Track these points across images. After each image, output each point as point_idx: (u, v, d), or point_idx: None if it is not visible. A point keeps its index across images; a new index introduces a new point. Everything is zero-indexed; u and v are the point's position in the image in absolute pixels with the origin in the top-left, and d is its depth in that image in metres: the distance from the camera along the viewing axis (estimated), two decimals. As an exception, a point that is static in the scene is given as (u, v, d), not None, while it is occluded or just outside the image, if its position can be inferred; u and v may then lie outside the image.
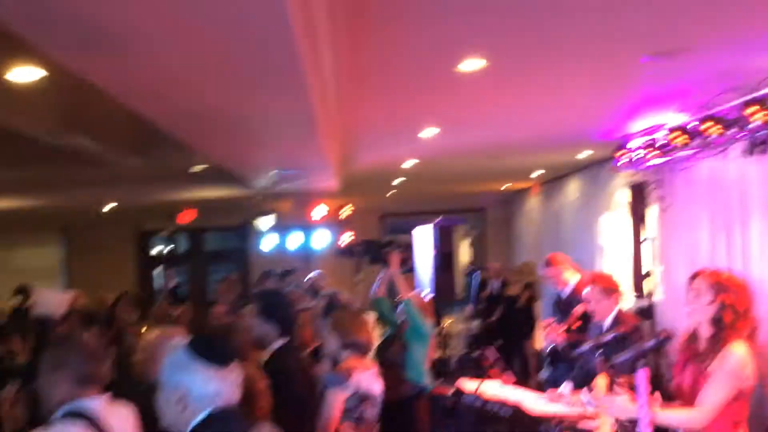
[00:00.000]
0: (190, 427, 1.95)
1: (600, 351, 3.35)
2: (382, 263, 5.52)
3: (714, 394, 2.89)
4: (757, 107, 4.83)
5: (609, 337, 3.41)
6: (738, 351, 2.92)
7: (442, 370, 7.75)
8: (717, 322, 2.97)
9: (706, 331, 3.03)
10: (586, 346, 3.51)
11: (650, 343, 2.82)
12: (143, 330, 4.54)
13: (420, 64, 4.32)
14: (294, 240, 9.07)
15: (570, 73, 4.72)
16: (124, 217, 12.37)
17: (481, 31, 3.70)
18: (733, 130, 5.39)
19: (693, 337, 3.13)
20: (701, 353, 3.02)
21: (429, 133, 6.36)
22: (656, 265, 7.35)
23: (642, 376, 2.69)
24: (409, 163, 8.31)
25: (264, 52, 3.26)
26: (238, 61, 3.45)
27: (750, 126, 5.20)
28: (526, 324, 9.93)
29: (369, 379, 3.54)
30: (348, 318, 3.65)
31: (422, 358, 5.11)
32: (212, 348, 2.02)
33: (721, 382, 2.89)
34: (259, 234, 8.91)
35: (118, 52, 3.14)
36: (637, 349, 2.76)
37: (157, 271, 12.37)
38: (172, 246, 11.88)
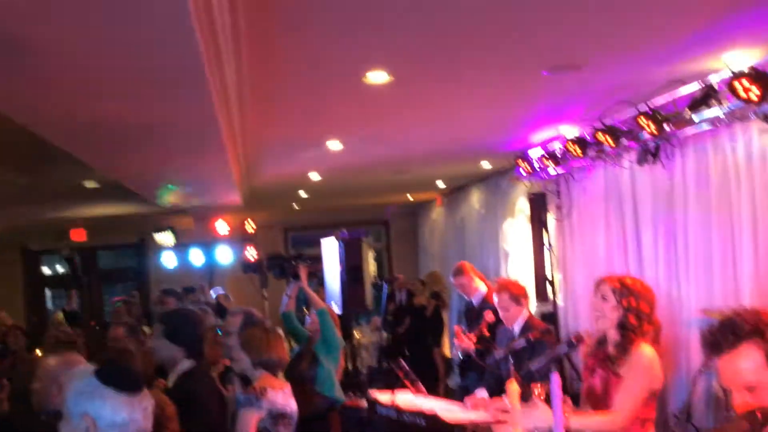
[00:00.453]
0: None
1: (512, 357, 3.39)
2: (289, 277, 5.42)
3: (628, 396, 2.95)
4: (646, 119, 5.10)
5: (521, 343, 3.46)
6: (646, 352, 3.01)
7: (353, 382, 7.70)
8: (623, 326, 3.04)
9: (613, 336, 3.10)
10: (499, 354, 3.55)
11: (563, 348, 2.87)
12: (38, 356, 4.23)
13: (323, 77, 4.29)
14: (196, 256, 8.78)
15: (472, 86, 4.82)
16: (11, 237, 11.61)
17: (384, 44, 3.71)
18: (625, 141, 5.67)
19: (601, 341, 3.20)
20: (610, 357, 3.08)
21: (333, 146, 6.33)
22: (557, 271, 7.62)
23: (556, 381, 2.73)
24: (313, 177, 8.24)
25: (163, 57, 3.10)
26: (136, 67, 3.28)
27: (641, 136, 5.49)
28: (435, 332, 10.07)
29: (283, 398, 3.44)
30: (260, 335, 3.53)
31: (333, 371, 5.04)
32: (121, 374, 1.92)
33: (634, 384, 2.96)
34: (159, 251, 8.57)
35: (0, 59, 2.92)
36: (550, 354, 2.80)
37: (50, 293, 11.64)
38: (71, 265, 11.22)
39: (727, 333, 1.60)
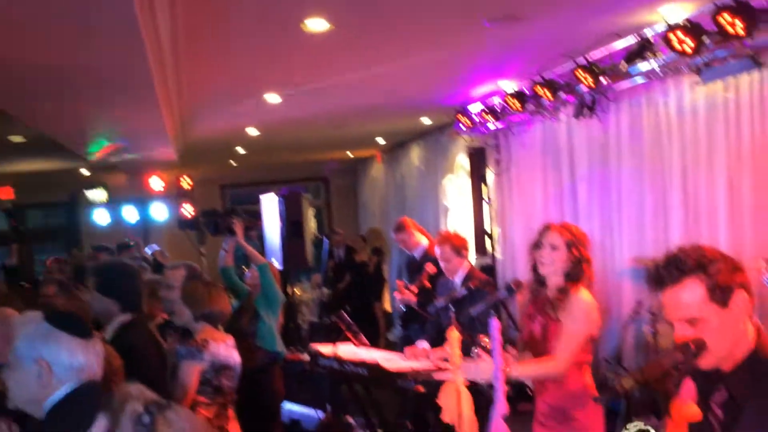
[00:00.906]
0: (51, 403, 1.81)
1: (453, 306, 3.42)
2: (226, 233, 5.31)
3: (569, 341, 3.00)
4: (584, 71, 5.17)
5: (461, 291, 3.51)
6: (585, 298, 3.08)
7: (295, 337, 7.72)
8: (568, 273, 3.08)
9: (555, 282, 3.14)
10: (440, 303, 3.59)
11: (502, 293, 2.92)
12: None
13: (260, 24, 4.16)
14: (130, 213, 8.54)
15: (413, 37, 4.77)
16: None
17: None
18: (563, 95, 5.75)
19: (538, 287, 3.24)
20: (551, 303, 3.12)
21: (272, 99, 6.19)
22: (495, 225, 7.75)
23: (495, 326, 2.79)
24: (251, 132, 8.07)
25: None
26: (66, 7, 3.10)
27: (578, 90, 5.57)
28: (375, 288, 10.17)
29: (226, 350, 3.41)
30: (202, 289, 3.47)
31: (274, 325, 5.02)
32: (72, 319, 1.88)
33: (574, 329, 3.02)
34: (90, 208, 8.29)
35: None
36: (490, 300, 2.84)
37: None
38: (11, 219, 10.67)
39: (671, 268, 1.64)
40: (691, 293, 1.61)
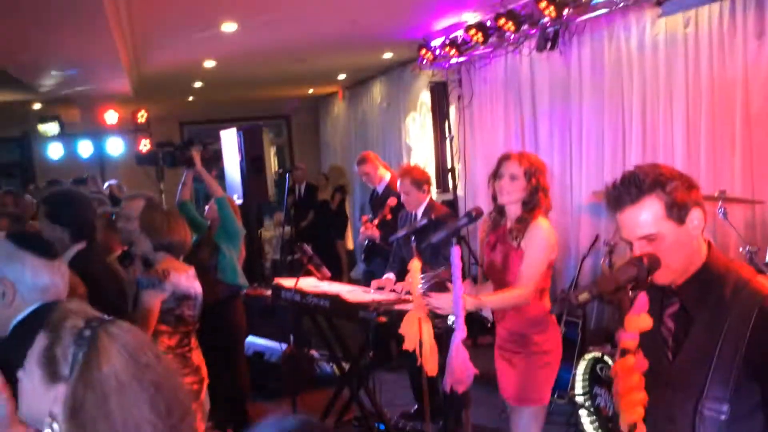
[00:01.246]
0: (15, 322, 1.81)
1: (414, 236, 3.44)
2: (184, 165, 5.19)
3: (532, 268, 3.04)
4: (547, 3, 5.12)
5: (422, 221, 3.53)
6: (544, 225, 3.12)
7: (258, 274, 7.73)
8: (527, 202, 3.11)
9: (514, 212, 3.17)
10: (401, 233, 3.61)
11: (463, 220, 2.94)
12: None
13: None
14: (84, 148, 8.32)
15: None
16: None
17: None
18: (526, 26, 5.70)
19: (500, 217, 3.28)
20: (511, 231, 3.15)
21: (228, 28, 5.99)
22: (457, 161, 7.77)
23: (456, 253, 2.82)
24: (208, 64, 7.85)
25: None
26: None
27: (541, 22, 5.53)
28: (338, 226, 10.18)
29: (187, 280, 3.40)
30: (161, 218, 3.43)
31: (235, 258, 5.00)
32: (36, 239, 1.85)
33: (535, 255, 3.06)
34: (44, 144, 8.05)
35: None
36: (451, 227, 2.86)
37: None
38: None
39: (630, 186, 1.66)
40: (649, 211, 1.64)
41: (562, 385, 4.46)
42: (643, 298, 1.39)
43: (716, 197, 3.94)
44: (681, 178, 1.68)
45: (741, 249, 3.79)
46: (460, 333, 2.84)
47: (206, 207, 5.34)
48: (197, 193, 5.23)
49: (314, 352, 6.64)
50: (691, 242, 1.69)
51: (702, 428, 1.61)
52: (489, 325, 7.20)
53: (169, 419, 1.25)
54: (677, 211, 1.65)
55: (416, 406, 5.08)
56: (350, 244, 10.91)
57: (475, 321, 6.94)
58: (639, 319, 1.36)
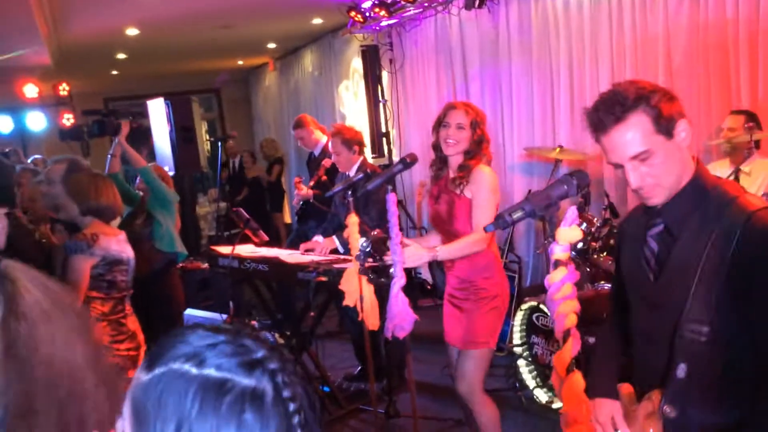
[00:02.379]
0: None
1: (350, 190, 3.43)
2: (112, 133, 5.02)
3: (483, 213, 3.03)
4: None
5: (358, 176, 3.52)
6: (486, 170, 3.14)
7: (194, 249, 7.59)
8: (468, 152, 3.13)
9: (456, 161, 3.18)
10: (337, 188, 3.59)
11: (398, 167, 2.95)
12: None
13: None
14: (3, 123, 7.94)
15: None
16: None
17: None
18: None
19: (443, 166, 3.27)
20: (454, 180, 3.16)
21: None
22: (392, 126, 7.78)
23: (392, 200, 2.83)
24: (131, 32, 7.57)
25: None
26: None
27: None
28: (274, 199, 10.07)
29: (117, 244, 3.31)
30: (87, 181, 3.31)
31: (170, 226, 4.89)
32: None
33: (484, 200, 3.07)
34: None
35: None
36: (386, 174, 2.86)
37: None
38: None
39: (613, 106, 1.57)
40: (636, 127, 1.56)
41: (501, 339, 4.56)
42: (573, 212, 1.42)
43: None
44: (662, 89, 1.61)
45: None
46: (399, 280, 2.86)
47: (137, 179, 5.20)
48: (126, 174, 5.08)
49: (255, 323, 6.60)
50: (681, 156, 1.62)
51: (681, 350, 1.55)
52: (429, 287, 7.34)
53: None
54: (665, 124, 1.57)
55: (359, 368, 5.11)
56: (288, 218, 10.81)
57: (415, 284, 7.07)
58: (570, 232, 1.39)
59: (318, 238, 4.61)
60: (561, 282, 1.40)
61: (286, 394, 0.75)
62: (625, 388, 1.65)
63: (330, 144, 4.65)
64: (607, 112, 1.57)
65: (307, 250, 4.49)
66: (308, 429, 0.76)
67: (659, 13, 4.81)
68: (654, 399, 1.56)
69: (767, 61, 4.21)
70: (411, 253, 2.90)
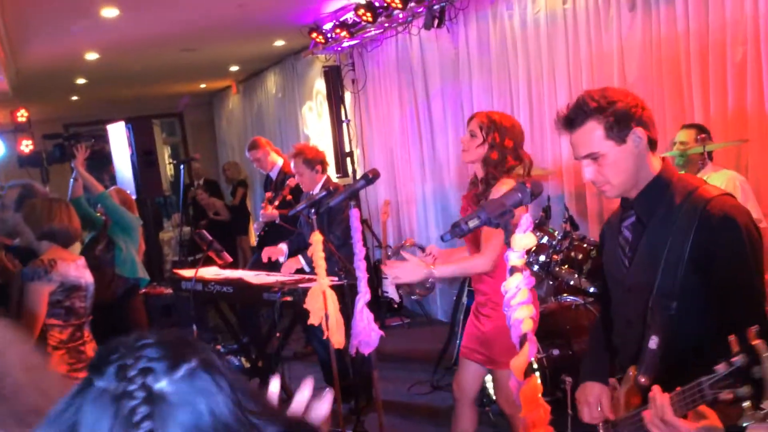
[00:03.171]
0: None
1: (312, 209, 3.42)
2: (68, 160, 4.96)
3: (489, 234, 2.82)
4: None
5: (321, 193, 3.51)
6: (506, 185, 2.86)
7: (157, 274, 7.48)
8: (486, 161, 2.96)
9: (479, 173, 3.03)
10: (301, 206, 3.58)
11: (360, 183, 2.95)
12: None
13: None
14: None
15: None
16: None
17: None
18: (413, 4, 5.79)
19: (473, 181, 3.14)
20: (477, 195, 3.01)
21: (109, 14, 5.73)
22: (356, 146, 7.81)
23: (354, 215, 2.83)
24: (90, 57, 7.50)
25: None
26: None
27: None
28: (240, 221, 9.98)
29: (76, 270, 3.24)
30: (41, 205, 3.25)
31: (132, 251, 4.82)
32: None
33: None
34: None
35: None
36: (348, 189, 2.86)
37: None
38: None
39: (578, 111, 1.83)
40: (590, 134, 1.82)
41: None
42: (527, 219, 1.44)
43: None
44: (626, 99, 1.84)
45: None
46: (364, 295, 2.85)
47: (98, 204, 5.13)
48: (89, 199, 5.03)
49: (220, 347, 6.51)
50: (634, 159, 1.84)
51: (653, 324, 1.72)
52: (395, 306, 7.32)
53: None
54: (617, 132, 1.81)
55: (327, 389, 5.06)
56: (253, 240, 10.73)
57: (382, 303, 7.05)
58: (524, 238, 1.41)
59: (283, 246, 4.58)
60: (517, 288, 1.41)
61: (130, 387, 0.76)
62: (612, 381, 1.88)
63: (292, 165, 4.64)
64: (574, 114, 1.85)
65: (270, 258, 4.45)
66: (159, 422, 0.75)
67: (613, 29, 4.92)
68: (631, 374, 1.74)
69: (718, 73, 4.32)
70: (407, 268, 2.75)
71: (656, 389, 1.51)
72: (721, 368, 1.33)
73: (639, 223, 1.88)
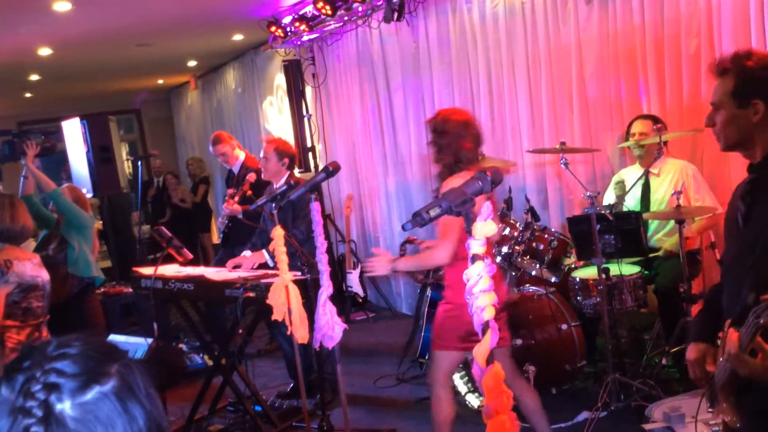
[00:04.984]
0: None
1: (273, 203, 3.40)
2: (23, 155, 4.83)
3: (443, 227, 2.93)
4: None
5: (282, 187, 3.49)
6: (450, 184, 2.96)
7: (118, 275, 7.36)
8: (437, 160, 3.08)
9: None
10: (262, 200, 3.55)
11: (321, 176, 2.94)
12: None
13: None
14: None
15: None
16: None
17: None
18: (373, -2, 5.77)
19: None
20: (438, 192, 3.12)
21: (61, 7, 5.59)
22: (317, 140, 7.76)
23: (316, 209, 2.82)
24: (43, 52, 7.31)
25: None
26: None
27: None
28: (202, 218, 9.86)
29: (32, 269, 3.17)
30: (-8, 204, 3.17)
31: (87, 250, 4.72)
32: None
33: (446, 218, 2.93)
34: None
35: None
36: (309, 182, 2.85)
37: None
38: None
39: (721, 64, 1.95)
40: (722, 86, 1.96)
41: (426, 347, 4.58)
42: (488, 207, 1.44)
43: (558, 149, 4.19)
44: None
45: (582, 195, 4.06)
46: (326, 289, 2.84)
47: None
48: (43, 201, 4.91)
49: (183, 346, 6.42)
50: (748, 125, 1.93)
51: (751, 282, 1.77)
52: (360, 300, 7.30)
53: None
54: (743, 93, 1.92)
55: (292, 385, 5.04)
56: (216, 238, 10.61)
57: (347, 297, 7.03)
58: (485, 226, 1.42)
59: (246, 253, 4.54)
60: (479, 276, 1.42)
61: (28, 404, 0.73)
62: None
63: (263, 147, 4.61)
64: (720, 63, 1.98)
65: (235, 267, 4.41)
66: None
67: (571, 23, 4.98)
68: (726, 327, 1.78)
69: (673, 65, 4.41)
70: (375, 263, 2.96)
71: (729, 327, 1.60)
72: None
73: (751, 194, 1.95)
